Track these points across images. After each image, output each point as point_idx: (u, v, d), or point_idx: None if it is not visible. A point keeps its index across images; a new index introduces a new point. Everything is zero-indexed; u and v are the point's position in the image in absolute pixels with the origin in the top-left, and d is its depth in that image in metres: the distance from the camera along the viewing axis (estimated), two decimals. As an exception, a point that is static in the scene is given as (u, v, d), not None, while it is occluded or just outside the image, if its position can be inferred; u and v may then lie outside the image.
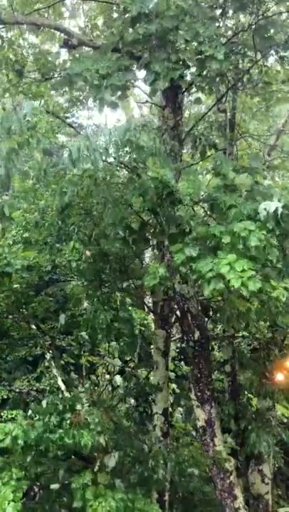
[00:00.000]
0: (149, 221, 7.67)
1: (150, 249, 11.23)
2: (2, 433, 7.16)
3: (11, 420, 8.45)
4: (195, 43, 6.97)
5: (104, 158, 6.77)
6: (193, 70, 8.44)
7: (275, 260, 5.94)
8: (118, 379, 12.07)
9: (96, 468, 7.67)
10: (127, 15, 7.39)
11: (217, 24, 7.96)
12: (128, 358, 12.51)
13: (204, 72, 7.83)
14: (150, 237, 7.91)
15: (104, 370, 12.60)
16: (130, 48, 7.54)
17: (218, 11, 8.21)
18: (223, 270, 5.64)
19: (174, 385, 11.90)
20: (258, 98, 12.39)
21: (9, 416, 9.05)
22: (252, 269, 5.65)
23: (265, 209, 5.89)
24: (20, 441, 7.06)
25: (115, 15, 10.36)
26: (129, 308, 9.87)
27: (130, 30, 7.38)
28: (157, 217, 6.97)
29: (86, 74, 6.95)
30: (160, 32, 7.02)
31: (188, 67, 7.39)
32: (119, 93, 7.35)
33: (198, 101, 10.49)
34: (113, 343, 11.11)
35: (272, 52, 8.34)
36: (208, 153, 10.45)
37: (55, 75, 10.07)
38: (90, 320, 8.50)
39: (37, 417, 7.59)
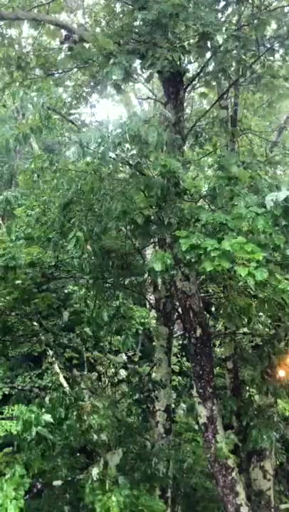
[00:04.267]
0: (151, 216, 7.64)
1: (151, 246, 11.24)
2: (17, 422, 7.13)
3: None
4: (196, 27, 6.87)
5: (112, 151, 6.71)
6: (194, 64, 8.37)
7: (282, 246, 5.81)
8: (123, 372, 12.09)
9: (100, 466, 7.70)
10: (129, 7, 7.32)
11: (220, 15, 7.89)
12: (131, 354, 12.54)
13: (207, 68, 7.77)
14: (154, 232, 7.86)
15: (106, 367, 12.62)
16: (130, 39, 7.47)
17: (221, 4, 8.15)
18: (233, 248, 5.46)
19: (176, 380, 11.93)
20: (259, 94, 12.34)
21: (12, 411, 9.06)
22: (260, 253, 5.47)
23: (272, 200, 5.79)
24: (31, 430, 7.03)
25: (118, 10, 10.30)
26: (131, 306, 9.88)
27: (131, 20, 7.32)
28: (161, 212, 6.94)
29: (92, 48, 6.88)
30: (160, 18, 6.94)
31: (189, 52, 7.31)
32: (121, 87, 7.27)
33: (203, 95, 10.39)
34: (116, 340, 11.13)
35: (276, 46, 8.26)
36: (211, 149, 10.42)
37: (59, 71, 10.02)
38: (93, 317, 8.52)
39: (43, 411, 7.60)
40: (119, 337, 10.84)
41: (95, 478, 7.08)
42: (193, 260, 6.10)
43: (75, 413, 7.45)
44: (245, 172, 6.53)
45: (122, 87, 6.91)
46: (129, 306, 9.31)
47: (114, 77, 6.69)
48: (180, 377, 12.01)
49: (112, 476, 7.28)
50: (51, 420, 7.14)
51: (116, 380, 12.22)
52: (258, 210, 5.82)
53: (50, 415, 7.20)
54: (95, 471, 7.18)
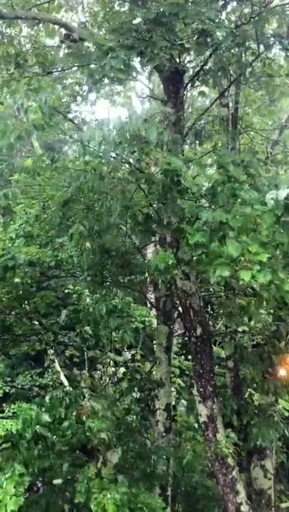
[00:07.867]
0: (152, 214, 7.63)
1: (152, 245, 11.22)
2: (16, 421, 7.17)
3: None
4: (196, 24, 6.85)
5: (113, 151, 6.70)
6: (194, 62, 8.34)
7: (285, 244, 5.77)
8: (122, 370, 12.08)
9: (99, 464, 7.71)
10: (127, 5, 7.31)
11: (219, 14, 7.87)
12: (133, 353, 12.52)
13: (206, 66, 7.75)
14: (154, 230, 7.82)
15: (107, 366, 12.62)
16: (129, 36, 7.46)
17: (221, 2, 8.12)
18: (237, 252, 5.43)
19: (177, 383, 11.92)
20: (261, 92, 12.30)
21: (12, 410, 9.04)
22: (264, 253, 5.42)
23: (272, 198, 5.78)
24: (31, 428, 7.04)
25: (117, 7, 10.28)
26: (129, 301, 9.87)
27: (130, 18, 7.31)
28: (161, 211, 6.91)
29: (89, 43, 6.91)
30: (159, 18, 6.93)
31: (187, 50, 7.30)
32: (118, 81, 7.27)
33: (202, 94, 10.37)
34: (116, 337, 11.09)
35: (276, 43, 8.22)
36: (211, 148, 10.39)
37: (58, 69, 10.00)
38: (90, 313, 8.49)
39: (43, 410, 7.61)
40: (118, 334, 10.80)
41: (91, 476, 7.09)
42: (195, 259, 6.08)
43: (74, 413, 7.45)
44: (239, 171, 6.50)
45: (122, 77, 6.86)
46: (126, 301, 9.30)
47: (112, 66, 6.64)
48: (180, 380, 12.00)
49: (109, 474, 7.29)
50: (49, 420, 7.15)
51: (116, 378, 12.22)
52: (263, 208, 5.79)
53: (48, 415, 7.21)
54: (92, 470, 7.19)
